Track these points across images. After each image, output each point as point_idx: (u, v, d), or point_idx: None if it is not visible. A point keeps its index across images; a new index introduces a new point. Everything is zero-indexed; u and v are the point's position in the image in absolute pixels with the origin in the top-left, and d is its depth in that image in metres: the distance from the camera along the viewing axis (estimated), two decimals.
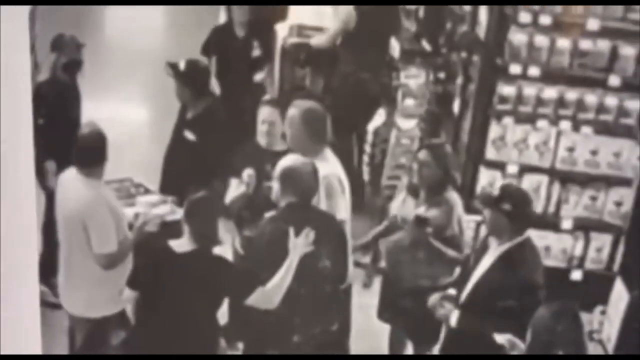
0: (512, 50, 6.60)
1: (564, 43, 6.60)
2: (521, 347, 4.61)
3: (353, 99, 7.87)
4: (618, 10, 6.55)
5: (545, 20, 6.55)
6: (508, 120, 6.70)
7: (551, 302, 4.60)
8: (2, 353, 2.46)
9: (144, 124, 9.72)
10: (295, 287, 4.92)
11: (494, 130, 6.72)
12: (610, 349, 5.59)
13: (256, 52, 7.83)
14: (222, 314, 5.31)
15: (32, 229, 2.65)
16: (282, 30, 8.89)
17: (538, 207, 6.80)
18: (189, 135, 6.46)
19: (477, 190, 6.60)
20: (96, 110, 7.06)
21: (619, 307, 5.55)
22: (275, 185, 5.12)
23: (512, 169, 6.74)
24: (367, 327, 6.03)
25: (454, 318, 5.04)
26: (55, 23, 8.09)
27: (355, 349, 5.78)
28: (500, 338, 4.74)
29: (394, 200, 6.02)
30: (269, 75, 8.17)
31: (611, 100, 6.64)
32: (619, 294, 5.60)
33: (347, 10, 8.09)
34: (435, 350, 5.45)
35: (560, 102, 6.66)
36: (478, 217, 5.76)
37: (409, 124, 7.60)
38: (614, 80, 6.60)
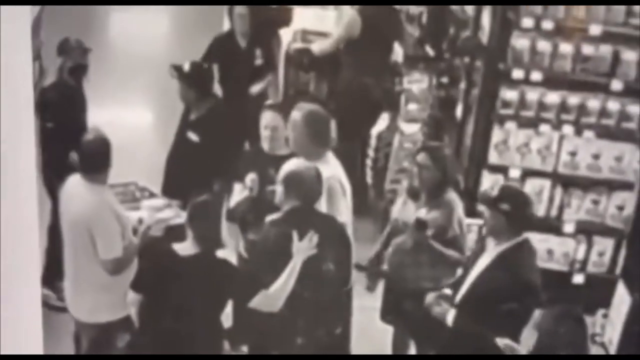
0: (515, 55, 6.63)
1: (566, 48, 6.64)
2: (519, 350, 4.64)
3: (357, 103, 7.90)
4: (620, 15, 6.58)
5: (547, 25, 6.58)
6: (510, 125, 6.74)
7: (554, 306, 4.64)
8: (4, 353, 2.47)
9: (148, 128, 9.75)
10: (299, 290, 4.94)
11: (496, 135, 6.76)
12: (612, 352, 5.61)
13: (259, 61, 7.86)
14: (227, 317, 5.34)
15: (34, 229, 2.65)
16: (286, 35, 8.92)
17: (540, 210, 6.84)
18: (192, 136, 6.50)
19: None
20: (100, 114, 7.09)
21: (621, 310, 5.57)
22: (279, 189, 5.15)
23: (514, 173, 6.77)
24: (371, 329, 6.05)
25: (450, 317, 5.07)
26: (60, 29, 8.12)
27: (358, 351, 5.80)
28: (499, 342, 4.77)
29: (394, 204, 6.04)
30: (273, 81, 8.20)
31: (613, 105, 6.68)
32: (621, 297, 5.62)
33: (352, 17, 8.11)
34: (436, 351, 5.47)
35: (563, 107, 6.69)
36: (480, 221, 5.79)
37: (412, 129, 7.63)
38: (616, 85, 6.63)
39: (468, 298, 5.07)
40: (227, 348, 5.65)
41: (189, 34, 11.10)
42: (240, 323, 5.71)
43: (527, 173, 6.79)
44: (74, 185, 5.48)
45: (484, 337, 4.83)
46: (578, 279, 6.93)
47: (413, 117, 7.70)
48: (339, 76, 8.00)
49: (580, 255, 6.91)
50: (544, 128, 6.71)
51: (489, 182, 6.75)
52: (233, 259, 5.49)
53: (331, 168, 5.52)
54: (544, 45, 6.62)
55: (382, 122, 7.97)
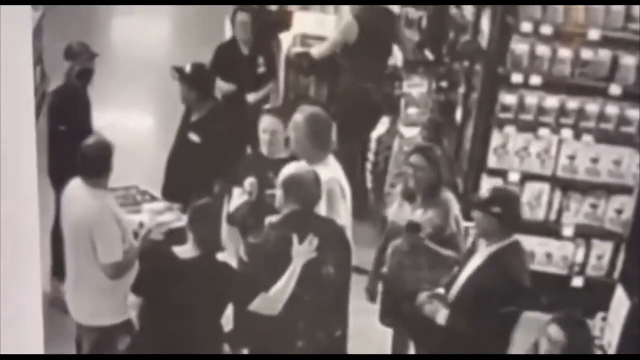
0: (514, 60, 6.65)
1: (565, 53, 6.65)
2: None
3: (357, 107, 7.92)
4: (619, 20, 6.60)
5: (546, 30, 6.60)
6: (510, 129, 6.75)
7: (559, 313, 4.69)
8: (5, 353, 2.47)
9: (150, 132, 9.78)
10: (299, 294, 4.97)
11: (496, 139, 6.77)
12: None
13: (261, 69, 7.89)
14: (227, 321, 5.36)
15: (34, 229, 2.66)
16: (286, 39, 8.95)
17: (540, 214, 6.86)
18: (194, 137, 6.52)
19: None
20: (102, 118, 7.12)
21: (620, 313, 5.59)
22: (278, 193, 5.17)
23: (514, 177, 6.78)
24: (371, 332, 6.07)
25: (441, 316, 5.10)
26: (62, 34, 8.16)
27: (358, 353, 5.83)
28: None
29: (390, 207, 6.07)
30: (275, 89, 8.22)
31: (612, 109, 6.69)
32: (620, 301, 5.64)
33: (348, 21, 8.14)
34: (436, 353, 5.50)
35: (562, 111, 6.71)
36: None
37: (412, 132, 7.66)
38: (615, 90, 6.64)
39: (460, 298, 5.11)
40: (227, 351, 5.66)
41: (190, 38, 11.16)
42: (241, 326, 5.72)
43: (527, 177, 6.80)
44: (75, 189, 5.50)
45: (476, 337, 4.89)
46: (577, 282, 6.95)
47: (413, 121, 7.73)
48: (338, 80, 8.02)
49: (579, 259, 6.93)
50: (543, 132, 6.73)
51: (489, 186, 6.76)
52: (233, 263, 5.51)
53: (332, 171, 5.55)
54: (543, 50, 6.64)
55: (382, 126, 8.00)
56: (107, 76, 7.87)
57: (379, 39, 8.05)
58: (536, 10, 6.59)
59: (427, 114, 7.77)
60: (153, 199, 6.36)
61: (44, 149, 6.43)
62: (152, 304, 4.96)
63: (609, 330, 5.76)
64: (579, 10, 6.61)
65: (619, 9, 6.58)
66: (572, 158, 6.77)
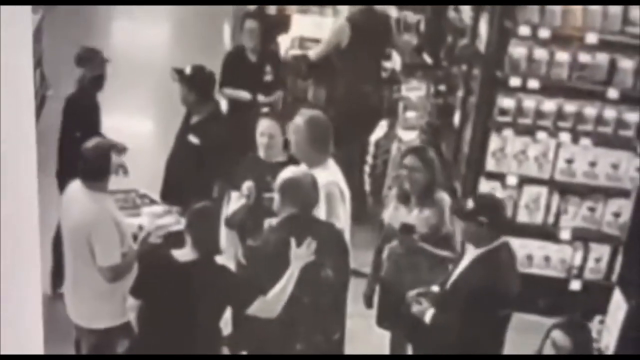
0: (512, 63, 6.68)
1: (563, 56, 6.69)
2: None
3: (355, 111, 7.92)
4: (616, 23, 6.64)
5: (544, 33, 6.63)
6: (508, 132, 6.78)
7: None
8: (5, 353, 2.47)
9: (150, 136, 9.79)
10: (298, 297, 4.97)
11: (494, 142, 6.80)
12: None
13: (269, 77, 7.88)
14: (226, 324, 5.37)
15: (34, 229, 2.65)
16: (284, 42, 8.97)
17: (537, 217, 6.88)
18: (193, 139, 6.53)
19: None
20: (103, 121, 7.13)
21: (618, 316, 5.60)
22: (275, 197, 5.18)
23: (511, 180, 6.81)
24: (369, 335, 6.08)
25: (428, 315, 5.13)
26: (62, 36, 8.17)
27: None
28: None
29: (385, 210, 6.07)
30: (282, 94, 8.21)
31: (610, 113, 6.72)
32: (618, 304, 5.65)
33: (340, 24, 8.13)
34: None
35: (560, 114, 6.74)
36: None
37: (410, 136, 7.67)
38: (613, 93, 6.67)
39: (446, 298, 5.13)
40: (226, 354, 5.68)
41: (190, 40, 11.16)
42: (240, 329, 5.73)
43: (524, 180, 6.83)
44: (75, 191, 5.51)
45: (464, 337, 4.92)
46: (575, 285, 6.97)
47: (411, 125, 7.75)
48: (336, 83, 8.02)
49: (577, 261, 6.95)
50: (541, 135, 6.76)
51: (486, 189, 6.80)
52: (231, 266, 5.52)
53: (331, 174, 5.56)
54: (540, 54, 6.67)
55: (381, 129, 8.01)
56: (107, 79, 7.85)
57: (372, 42, 8.01)
58: (534, 13, 6.62)
59: (425, 117, 7.79)
60: (152, 202, 6.37)
61: (46, 150, 6.43)
62: (150, 306, 4.96)
63: (606, 332, 5.77)
64: (577, 14, 6.64)
65: (616, 13, 6.61)
66: (569, 161, 6.79)
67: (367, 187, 8.11)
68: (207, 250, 4.89)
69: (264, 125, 5.91)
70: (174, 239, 5.34)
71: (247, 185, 5.70)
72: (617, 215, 6.85)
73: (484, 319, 4.92)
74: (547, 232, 6.91)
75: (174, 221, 5.87)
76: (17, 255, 2.49)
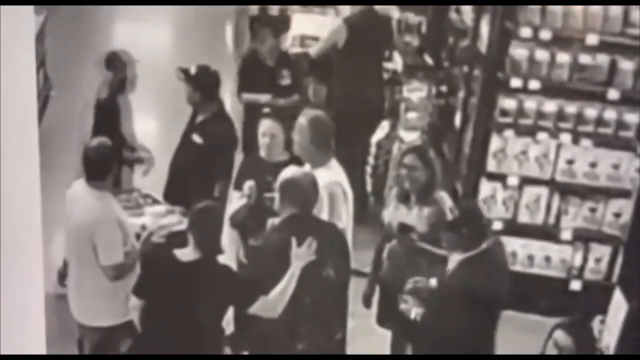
0: (513, 64, 6.70)
1: (563, 57, 6.70)
2: None
3: (356, 111, 7.93)
4: (617, 25, 6.65)
5: (545, 35, 6.65)
6: (509, 133, 6.80)
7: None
8: (5, 353, 2.48)
9: (154, 137, 9.81)
10: (299, 296, 4.99)
11: (495, 143, 6.82)
12: None
13: (286, 81, 7.89)
14: (228, 324, 5.39)
15: (36, 229, 2.66)
16: (285, 40, 8.98)
17: (538, 218, 6.90)
18: (197, 138, 6.55)
19: (478, 201, 6.71)
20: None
21: (618, 316, 5.60)
22: (276, 196, 5.21)
23: (512, 180, 6.83)
24: (370, 334, 6.10)
25: (414, 313, 5.15)
26: (65, 38, 8.19)
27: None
28: None
29: (385, 209, 6.09)
30: (299, 98, 8.21)
31: (610, 114, 6.74)
32: (618, 304, 5.66)
33: (337, 25, 8.14)
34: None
35: (560, 115, 6.75)
36: None
37: (411, 136, 7.68)
38: (613, 94, 6.69)
39: (436, 298, 5.16)
40: (228, 353, 5.70)
41: (193, 40, 11.18)
42: (242, 329, 5.75)
43: (525, 181, 6.85)
44: (78, 190, 5.54)
45: (450, 336, 4.95)
46: (575, 285, 6.98)
47: (412, 126, 7.76)
48: (336, 83, 8.02)
49: (578, 262, 6.97)
50: (542, 136, 6.77)
51: (487, 190, 6.82)
52: (233, 265, 5.54)
53: (334, 174, 5.58)
54: (541, 55, 6.69)
55: (382, 130, 8.03)
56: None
57: (371, 43, 8.01)
58: (535, 15, 6.63)
59: (427, 118, 7.81)
60: (155, 201, 6.40)
61: (48, 150, 6.44)
62: (153, 306, 4.98)
63: (607, 333, 5.78)
64: (578, 15, 6.66)
65: (617, 14, 6.63)
66: (570, 162, 6.81)
67: (369, 187, 8.13)
68: (209, 250, 4.91)
69: (266, 126, 5.94)
70: (177, 239, 5.35)
71: (249, 184, 5.73)
72: (617, 215, 6.87)
73: (471, 319, 4.95)
74: (547, 233, 6.93)
75: (177, 221, 5.90)
76: (18, 255, 2.49)
